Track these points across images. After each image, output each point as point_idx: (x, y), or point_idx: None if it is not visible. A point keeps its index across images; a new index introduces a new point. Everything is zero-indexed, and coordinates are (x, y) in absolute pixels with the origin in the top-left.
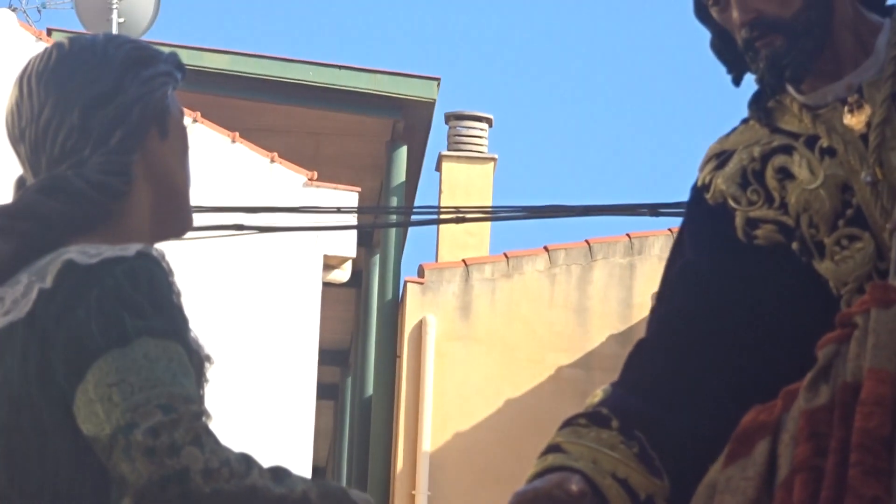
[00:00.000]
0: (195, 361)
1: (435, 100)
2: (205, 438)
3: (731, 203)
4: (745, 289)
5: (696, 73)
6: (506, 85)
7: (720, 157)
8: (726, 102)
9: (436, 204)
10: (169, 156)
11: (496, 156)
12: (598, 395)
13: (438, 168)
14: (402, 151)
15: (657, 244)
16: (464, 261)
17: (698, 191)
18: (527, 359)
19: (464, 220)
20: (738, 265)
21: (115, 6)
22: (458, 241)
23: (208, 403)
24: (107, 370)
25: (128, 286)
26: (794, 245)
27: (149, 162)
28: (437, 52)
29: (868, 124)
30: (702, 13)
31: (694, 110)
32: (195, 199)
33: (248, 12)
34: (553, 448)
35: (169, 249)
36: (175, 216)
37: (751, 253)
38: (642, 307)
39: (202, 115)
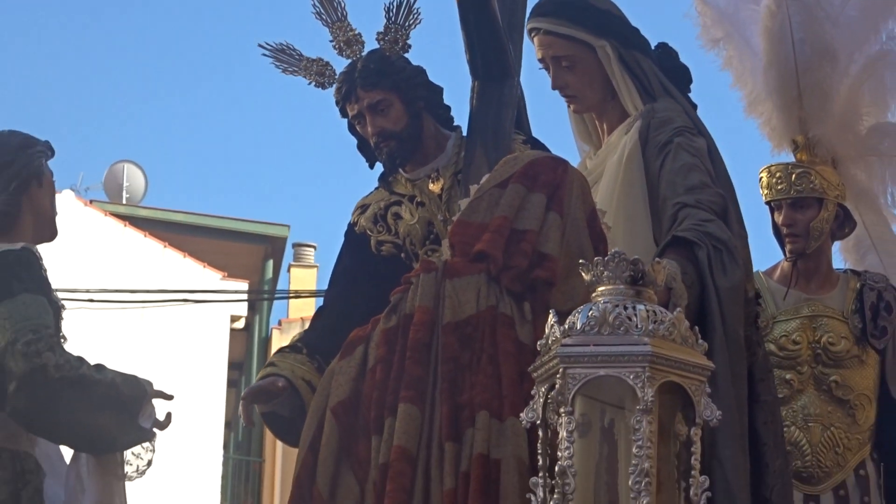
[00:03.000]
0: (54, 308)
1: (287, 237)
2: (56, 348)
3: (368, 232)
4: (374, 279)
5: None
6: (327, 216)
7: (363, 208)
8: None
9: (287, 288)
10: (43, 198)
11: (318, 265)
12: (297, 337)
13: (289, 271)
14: (270, 263)
15: None
16: (301, 318)
17: (351, 226)
18: None
19: (299, 296)
20: (371, 267)
21: (125, 185)
22: (299, 308)
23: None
24: (2, 311)
25: (15, 264)
26: (402, 255)
27: (31, 200)
28: (285, 202)
29: (442, 189)
30: (352, 129)
31: None
32: (182, 285)
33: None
34: (269, 364)
35: (151, 309)
36: (45, 230)
37: (380, 260)
38: None
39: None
